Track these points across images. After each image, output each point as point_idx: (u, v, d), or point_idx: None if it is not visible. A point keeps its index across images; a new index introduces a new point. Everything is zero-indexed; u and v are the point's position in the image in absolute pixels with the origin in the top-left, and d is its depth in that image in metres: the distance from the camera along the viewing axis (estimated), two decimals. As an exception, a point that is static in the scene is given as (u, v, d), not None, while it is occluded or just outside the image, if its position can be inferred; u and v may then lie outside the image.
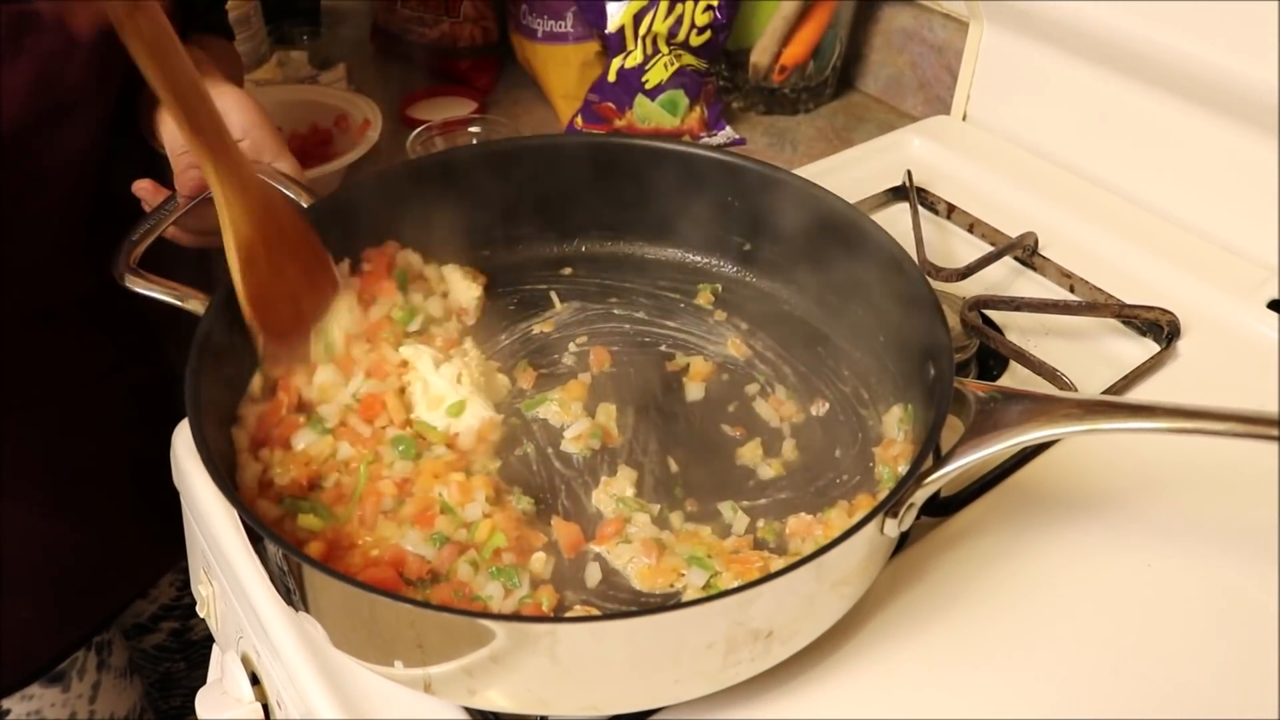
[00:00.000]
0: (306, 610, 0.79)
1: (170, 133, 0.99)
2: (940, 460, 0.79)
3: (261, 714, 0.95)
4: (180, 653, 1.48)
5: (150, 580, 1.35)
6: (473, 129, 1.58)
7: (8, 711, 1.17)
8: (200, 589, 1.08)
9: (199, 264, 1.22)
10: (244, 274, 0.88)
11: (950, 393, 0.81)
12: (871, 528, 0.75)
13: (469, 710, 0.82)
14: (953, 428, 0.81)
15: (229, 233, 0.88)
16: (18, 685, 1.17)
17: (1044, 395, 0.81)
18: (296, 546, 0.82)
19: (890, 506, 0.75)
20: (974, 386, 0.83)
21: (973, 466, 0.79)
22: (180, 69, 0.81)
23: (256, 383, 0.96)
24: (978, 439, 0.79)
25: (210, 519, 1.00)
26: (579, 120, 1.67)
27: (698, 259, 1.16)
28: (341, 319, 0.97)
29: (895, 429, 0.96)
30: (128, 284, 0.88)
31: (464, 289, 1.09)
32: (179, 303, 0.89)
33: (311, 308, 0.95)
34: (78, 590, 1.21)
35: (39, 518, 1.14)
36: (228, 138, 0.87)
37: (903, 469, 0.91)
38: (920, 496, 0.78)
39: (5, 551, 1.12)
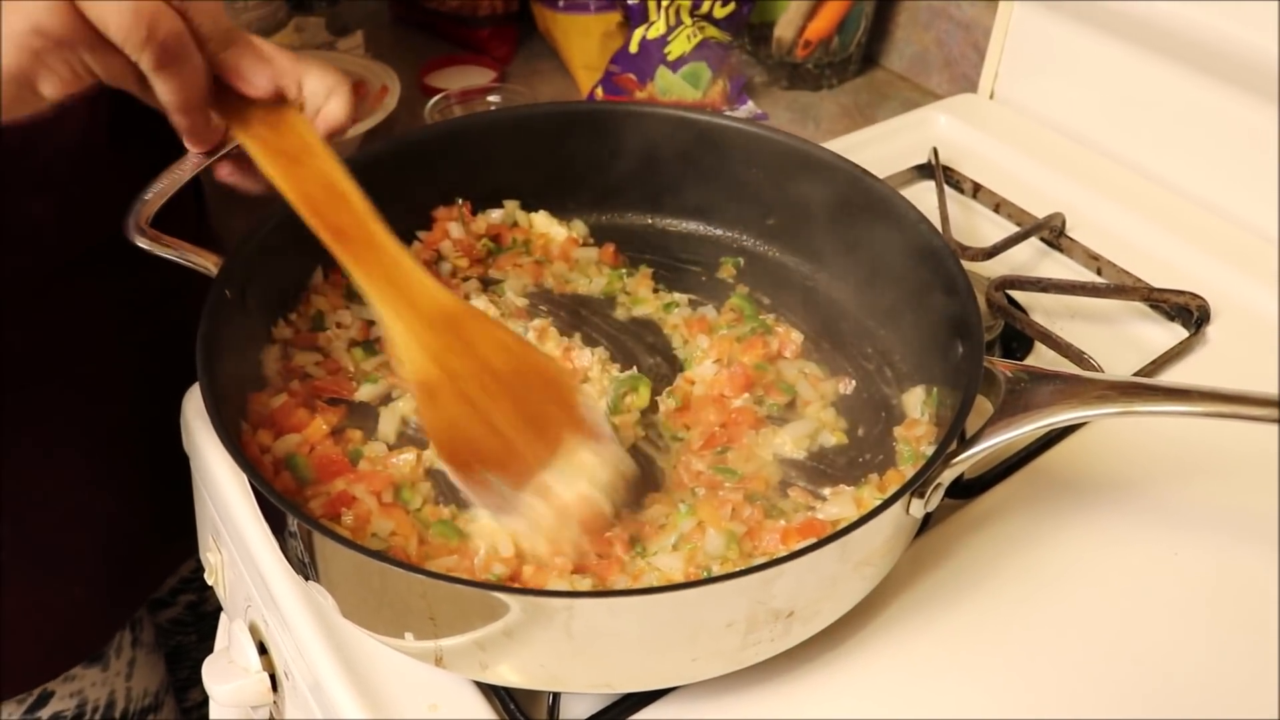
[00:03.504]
0: (317, 580, 0.77)
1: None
2: (968, 440, 0.77)
3: (268, 684, 0.93)
4: (193, 626, 1.47)
5: (187, 553, 1.33)
6: (491, 98, 1.56)
7: (52, 694, 1.15)
8: (209, 556, 1.07)
9: (199, 219, 1.20)
10: (425, 409, 0.79)
11: (980, 372, 0.79)
12: (897, 507, 0.73)
13: (479, 685, 0.81)
14: (978, 410, 0.78)
15: (392, 345, 0.80)
16: (65, 667, 1.15)
17: (1076, 376, 0.79)
18: (310, 515, 0.81)
19: (917, 486, 0.73)
20: (1003, 366, 0.81)
21: (999, 448, 0.77)
22: (312, 175, 0.76)
23: (273, 353, 0.95)
24: (1008, 419, 0.76)
25: (220, 485, 0.98)
26: (599, 91, 1.64)
27: (719, 232, 1.14)
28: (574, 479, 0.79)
29: (918, 409, 0.94)
30: (138, 243, 0.86)
31: (556, 230, 1.10)
32: (191, 264, 0.87)
33: (537, 451, 0.79)
34: (124, 566, 1.18)
35: (82, 491, 1.12)
36: (381, 241, 0.78)
37: (925, 449, 0.89)
38: (948, 477, 0.76)
39: (55, 527, 1.10)
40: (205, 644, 1.46)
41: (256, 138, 0.74)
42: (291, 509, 0.71)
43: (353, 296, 1.02)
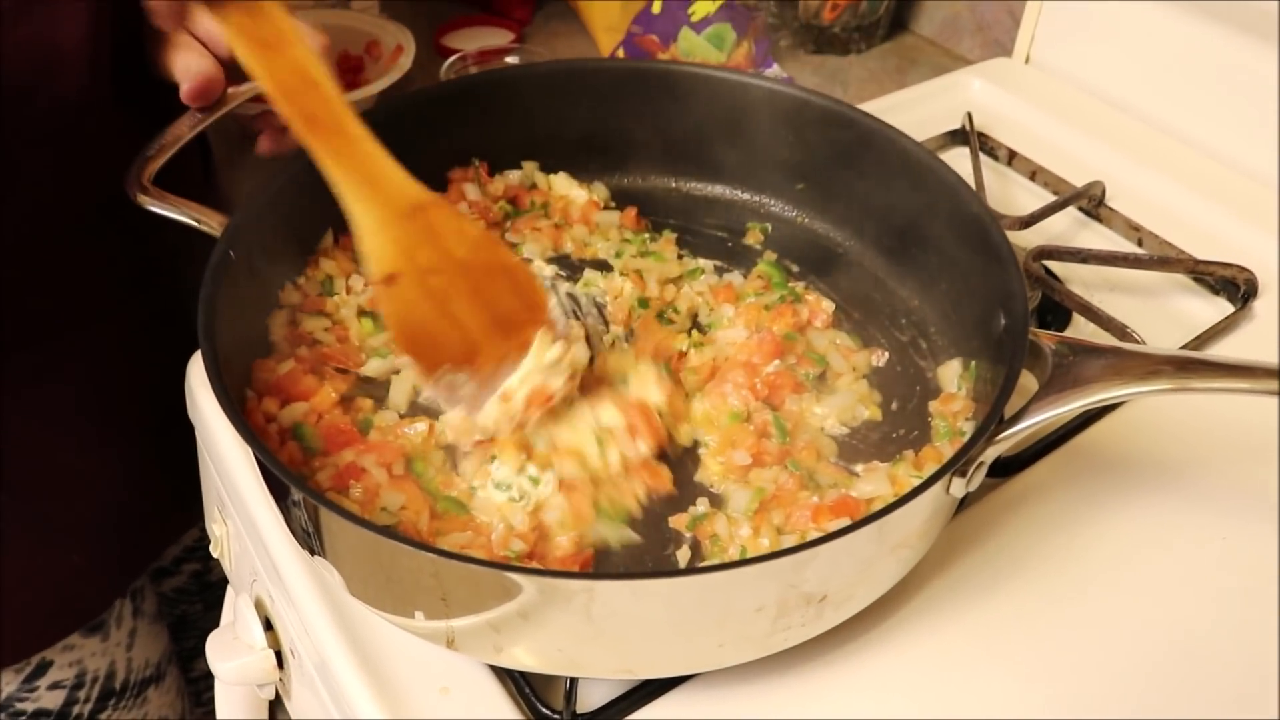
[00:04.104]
0: (323, 555, 0.74)
1: (180, 62, 0.93)
2: (1012, 417, 0.72)
3: (274, 661, 0.90)
4: (198, 595, 1.44)
5: (190, 521, 1.30)
6: (509, 60, 1.52)
7: (50, 663, 1.13)
8: (214, 528, 1.04)
9: (205, 179, 1.16)
10: (389, 301, 0.79)
11: (1025, 344, 0.75)
12: (938, 487, 0.68)
13: (493, 667, 0.77)
14: (1019, 387, 0.74)
15: (359, 238, 0.79)
16: (62, 634, 1.13)
17: (1128, 349, 0.74)
18: (316, 488, 0.77)
19: (960, 465, 0.69)
20: (1047, 338, 0.76)
21: (1043, 425, 0.73)
22: (287, 62, 0.75)
23: (279, 318, 0.91)
24: (1055, 394, 0.72)
25: (224, 455, 0.94)
26: (621, 54, 1.59)
27: (747, 196, 1.09)
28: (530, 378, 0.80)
29: (954, 383, 0.89)
30: (140, 202, 0.83)
31: (576, 193, 1.06)
32: (194, 223, 0.83)
33: (497, 348, 0.80)
34: (125, 534, 1.15)
35: (85, 455, 1.09)
36: (352, 130, 0.77)
37: (963, 425, 0.85)
38: (990, 455, 0.72)
39: (55, 493, 1.07)
40: (211, 614, 1.43)
41: (234, 24, 0.73)
42: (296, 482, 0.67)
43: (364, 261, 0.98)
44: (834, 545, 0.64)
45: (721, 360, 0.90)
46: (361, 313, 0.94)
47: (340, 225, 0.96)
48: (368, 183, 0.78)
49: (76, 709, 1.16)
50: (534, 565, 0.74)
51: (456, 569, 0.64)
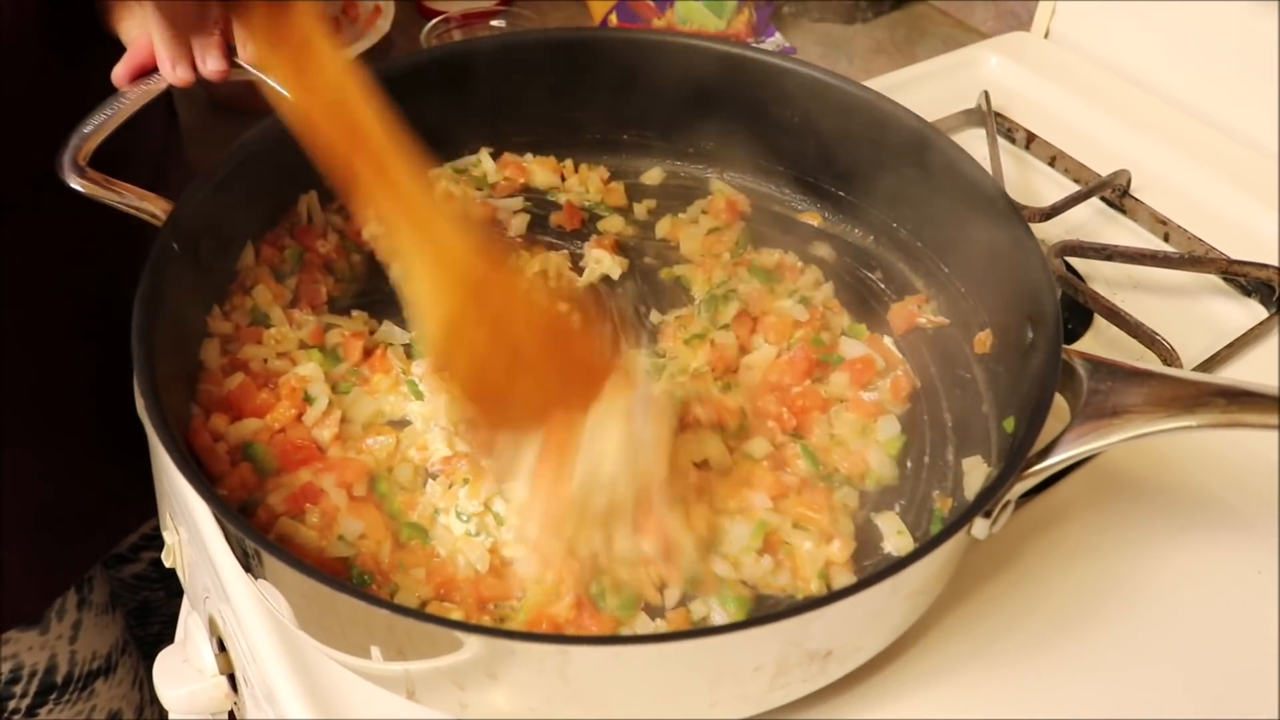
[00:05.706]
0: (268, 580, 0.66)
1: (135, 29, 0.85)
2: (1039, 451, 0.65)
3: (226, 689, 0.82)
4: (159, 582, 1.38)
5: (140, 518, 1.23)
6: (495, 23, 1.43)
7: None
8: (167, 535, 0.96)
9: (164, 155, 1.08)
10: (442, 354, 0.70)
11: (1058, 366, 0.68)
12: (960, 534, 0.61)
13: None
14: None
15: (419, 292, 0.68)
16: None
17: (1173, 376, 0.67)
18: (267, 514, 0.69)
19: (985, 507, 0.62)
20: (1081, 357, 0.69)
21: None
22: (323, 84, 0.66)
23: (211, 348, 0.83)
24: (1091, 425, 0.65)
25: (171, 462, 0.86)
26: (613, 18, 1.52)
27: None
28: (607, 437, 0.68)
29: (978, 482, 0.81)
30: (72, 184, 0.74)
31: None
32: (131, 210, 0.75)
33: (558, 406, 0.69)
34: (61, 531, 1.09)
35: (12, 451, 1.02)
36: (402, 181, 0.67)
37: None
38: (1018, 492, 0.65)
39: None
40: (174, 600, 1.36)
41: (256, 26, 0.65)
42: (238, 523, 0.60)
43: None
44: (843, 603, 0.56)
45: (750, 404, 0.82)
46: (303, 345, 0.84)
47: (260, 235, 0.88)
48: (420, 221, 0.67)
49: (13, 704, 1.11)
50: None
51: (415, 626, 0.56)
